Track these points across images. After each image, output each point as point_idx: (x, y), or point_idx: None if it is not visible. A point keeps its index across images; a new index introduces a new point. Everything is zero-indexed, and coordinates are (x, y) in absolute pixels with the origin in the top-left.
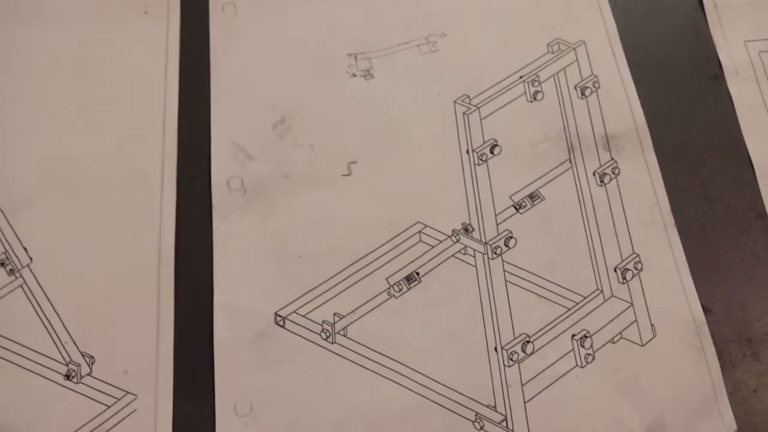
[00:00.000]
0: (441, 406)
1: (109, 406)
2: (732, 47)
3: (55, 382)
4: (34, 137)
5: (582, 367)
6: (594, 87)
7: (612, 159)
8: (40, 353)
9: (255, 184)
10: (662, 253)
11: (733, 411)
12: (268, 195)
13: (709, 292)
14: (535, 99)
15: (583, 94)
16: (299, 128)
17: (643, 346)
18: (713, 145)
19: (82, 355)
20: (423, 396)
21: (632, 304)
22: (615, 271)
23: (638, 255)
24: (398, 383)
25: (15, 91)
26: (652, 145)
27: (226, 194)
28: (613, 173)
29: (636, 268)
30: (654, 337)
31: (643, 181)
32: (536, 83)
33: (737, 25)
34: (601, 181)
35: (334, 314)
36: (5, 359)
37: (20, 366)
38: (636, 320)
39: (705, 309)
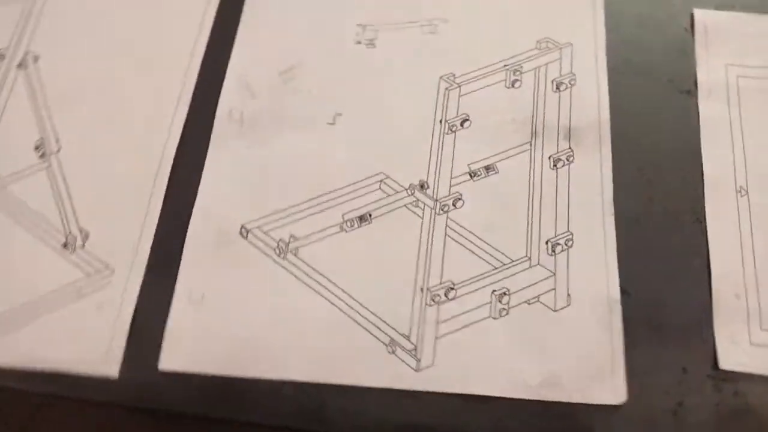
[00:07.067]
0: (361, 326)
1: (90, 276)
2: (712, 68)
3: (53, 248)
4: (87, 48)
5: (495, 318)
6: (569, 84)
7: (569, 148)
8: (48, 223)
9: (252, 118)
10: (594, 235)
11: (628, 385)
12: (260, 129)
13: (631, 276)
14: (513, 86)
15: (557, 88)
16: (301, 78)
17: (555, 311)
18: (670, 151)
19: (80, 230)
20: (348, 315)
21: (554, 273)
22: (546, 243)
23: (572, 233)
24: (330, 301)
25: (83, 9)
26: (610, 141)
27: (226, 122)
28: (567, 160)
29: (566, 245)
30: (568, 305)
31: (593, 170)
32: (518, 73)
33: (722, 48)
34: (554, 165)
35: (291, 236)
36: (20, 223)
37: (30, 230)
38: (555, 288)
39: (623, 291)
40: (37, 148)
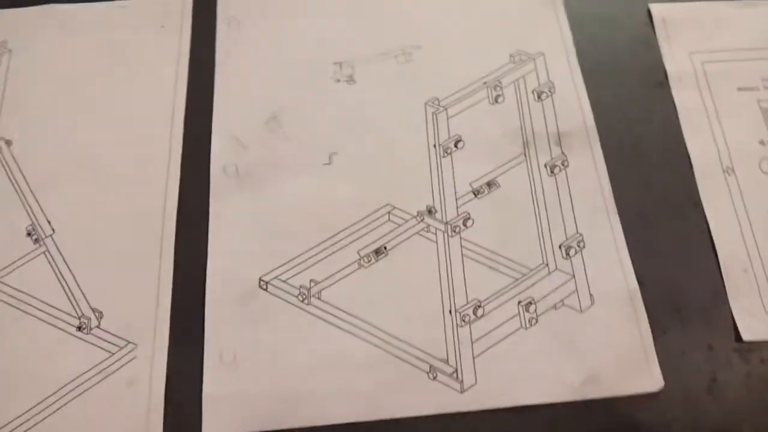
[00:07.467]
0: (399, 358)
1: (113, 353)
2: (677, 58)
3: (68, 332)
4: (61, 126)
5: (526, 329)
6: (549, 92)
7: (562, 153)
8: (57, 308)
9: (247, 170)
10: (603, 233)
11: (662, 370)
12: (258, 180)
13: (644, 267)
14: (496, 102)
15: (539, 97)
16: (288, 124)
17: (582, 312)
18: (655, 143)
19: (92, 311)
20: (384, 350)
21: (574, 276)
22: (560, 248)
23: (581, 235)
24: (363, 339)
25: (49, 88)
26: (599, 141)
27: (223, 178)
28: (563, 165)
29: (579, 246)
30: (592, 304)
31: (589, 172)
32: (498, 88)
33: (683, 38)
34: (552, 172)
35: (311, 280)
36: (27, 313)
37: (40, 319)
38: (576, 290)
39: (639, 281)
40: (29, 234)
